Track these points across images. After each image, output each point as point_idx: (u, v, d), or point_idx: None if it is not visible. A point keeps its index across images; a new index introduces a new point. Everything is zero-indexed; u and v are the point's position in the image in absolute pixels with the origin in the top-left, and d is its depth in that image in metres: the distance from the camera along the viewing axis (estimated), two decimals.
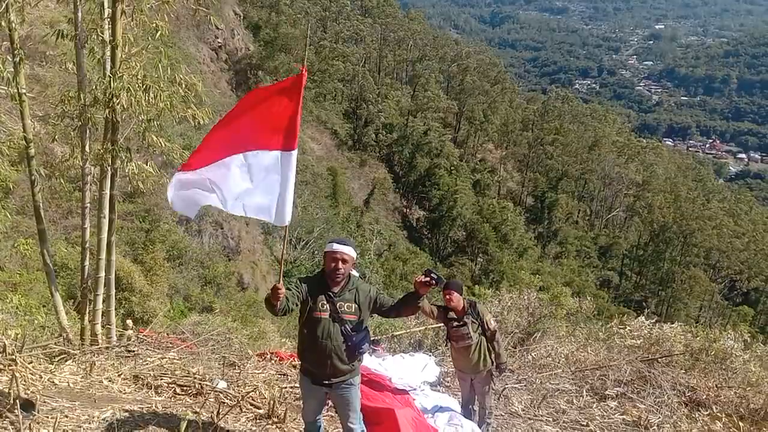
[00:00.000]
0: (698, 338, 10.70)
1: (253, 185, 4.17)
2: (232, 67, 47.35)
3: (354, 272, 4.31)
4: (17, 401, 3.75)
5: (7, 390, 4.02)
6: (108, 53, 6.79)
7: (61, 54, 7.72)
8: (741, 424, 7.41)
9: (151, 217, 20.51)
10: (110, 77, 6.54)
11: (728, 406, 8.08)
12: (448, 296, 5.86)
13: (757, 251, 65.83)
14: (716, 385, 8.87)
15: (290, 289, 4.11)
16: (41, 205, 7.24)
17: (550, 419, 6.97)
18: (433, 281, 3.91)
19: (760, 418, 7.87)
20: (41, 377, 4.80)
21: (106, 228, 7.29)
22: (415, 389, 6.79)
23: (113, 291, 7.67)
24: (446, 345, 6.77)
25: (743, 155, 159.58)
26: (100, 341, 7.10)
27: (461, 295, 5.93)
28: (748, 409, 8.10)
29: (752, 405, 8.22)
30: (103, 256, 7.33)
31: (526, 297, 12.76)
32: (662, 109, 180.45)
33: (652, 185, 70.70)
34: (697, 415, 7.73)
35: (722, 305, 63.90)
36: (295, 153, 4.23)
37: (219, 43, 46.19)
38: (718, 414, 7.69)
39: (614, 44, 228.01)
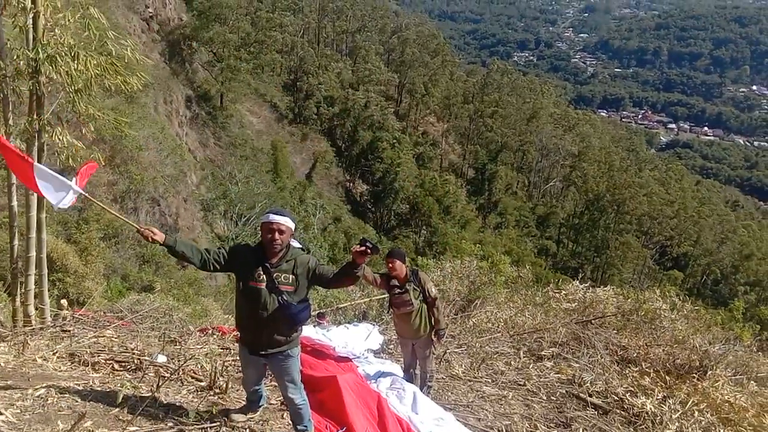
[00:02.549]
0: (629, 300, 11.23)
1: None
2: (165, 38, 45.60)
3: (295, 243, 4.30)
4: None
5: None
6: (30, 21, 6.46)
7: None
8: (667, 378, 7.85)
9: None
10: (35, 47, 6.24)
11: (657, 363, 8.52)
12: (390, 264, 5.98)
13: (687, 218, 69.00)
14: (646, 344, 9.33)
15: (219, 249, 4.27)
16: None
17: (489, 380, 7.22)
18: (369, 250, 3.95)
19: (685, 372, 8.35)
20: None
21: (35, 205, 7.01)
22: (358, 357, 6.90)
23: (45, 270, 7.41)
24: (389, 312, 6.90)
25: (673, 125, 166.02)
26: (33, 322, 6.88)
27: (403, 263, 6.04)
28: (674, 364, 8.58)
29: (678, 360, 8.70)
30: (33, 234, 7.06)
31: (466, 266, 13.06)
32: (597, 81, 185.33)
33: (588, 156, 72.79)
34: (627, 372, 8.12)
35: (654, 270, 66.89)
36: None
37: (150, 12, 44.35)
38: (647, 369, 8.10)
39: (551, 16, 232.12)
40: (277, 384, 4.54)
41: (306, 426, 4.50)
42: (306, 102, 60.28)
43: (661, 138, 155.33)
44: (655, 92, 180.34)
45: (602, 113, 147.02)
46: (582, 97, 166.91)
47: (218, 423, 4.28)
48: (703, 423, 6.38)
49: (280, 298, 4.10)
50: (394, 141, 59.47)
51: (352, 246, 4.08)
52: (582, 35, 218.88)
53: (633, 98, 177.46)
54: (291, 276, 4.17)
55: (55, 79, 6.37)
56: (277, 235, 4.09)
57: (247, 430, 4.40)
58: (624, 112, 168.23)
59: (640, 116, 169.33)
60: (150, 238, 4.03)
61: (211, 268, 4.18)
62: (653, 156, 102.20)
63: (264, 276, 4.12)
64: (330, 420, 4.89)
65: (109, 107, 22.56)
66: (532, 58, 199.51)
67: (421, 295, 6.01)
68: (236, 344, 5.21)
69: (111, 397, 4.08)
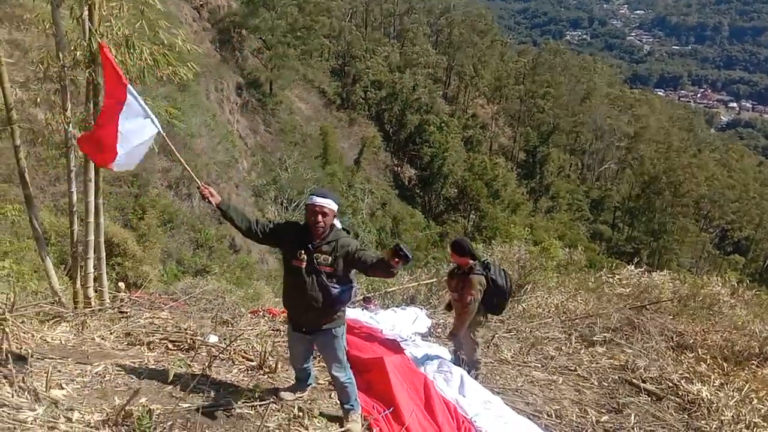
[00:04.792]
0: (686, 285, 10.92)
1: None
2: (215, 25, 46.34)
3: (337, 223, 4.31)
4: (9, 355, 3.82)
5: None
6: (86, 12, 6.65)
7: (37, 15, 7.56)
8: (725, 364, 7.60)
9: (139, 181, 20.43)
10: (90, 37, 6.42)
11: (714, 349, 8.27)
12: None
13: (748, 200, 66.27)
14: (703, 330, 9.07)
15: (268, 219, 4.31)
16: (26, 170, 7.18)
17: (539, 365, 7.13)
18: (402, 259, 3.82)
19: (744, 359, 8.08)
20: (33, 336, 4.88)
21: (92, 191, 7.26)
22: (405, 340, 6.93)
23: (103, 254, 7.68)
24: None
25: (734, 104, 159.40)
26: (92, 304, 7.15)
27: (460, 255, 5.91)
28: (733, 351, 8.31)
29: (737, 347, 8.43)
30: (92, 219, 7.31)
31: (516, 250, 12.92)
32: (654, 59, 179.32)
33: (644, 137, 70.59)
34: (682, 358, 7.90)
35: (714, 255, 64.65)
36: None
37: (201, 1, 45.13)
38: (704, 356, 7.87)
39: None
40: (324, 362, 4.62)
41: (352, 405, 4.55)
42: (353, 87, 60.28)
43: (722, 117, 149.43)
44: (715, 70, 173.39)
45: (659, 93, 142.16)
46: (638, 76, 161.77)
47: (267, 401, 4.37)
48: (762, 411, 6.16)
49: (318, 278, 4.14)
50: (442, 124, 58.96)
51: (386, 251, 3.98)
52: (638, 12, 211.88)
53: (691, 77, 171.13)
54: (330, 257, 4.17)
55: None
56: (320, 217, 4.11)
57: (296, 408, 4.48)
58: (682, 92, 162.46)
59: (699, 95, 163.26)
60: (207, 198, 4.20)
61: (255, 238, 4.30)
62: (713, 136, 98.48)
63: (305, 255, 4.17)
64: (377, 401, 4.92)
65: (162, 95, 23.17)
66: (585, 36, 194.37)
67: (459, 291, 5.95)
68: (285, 324, 5.30)
69: (165, 374, 4.22)
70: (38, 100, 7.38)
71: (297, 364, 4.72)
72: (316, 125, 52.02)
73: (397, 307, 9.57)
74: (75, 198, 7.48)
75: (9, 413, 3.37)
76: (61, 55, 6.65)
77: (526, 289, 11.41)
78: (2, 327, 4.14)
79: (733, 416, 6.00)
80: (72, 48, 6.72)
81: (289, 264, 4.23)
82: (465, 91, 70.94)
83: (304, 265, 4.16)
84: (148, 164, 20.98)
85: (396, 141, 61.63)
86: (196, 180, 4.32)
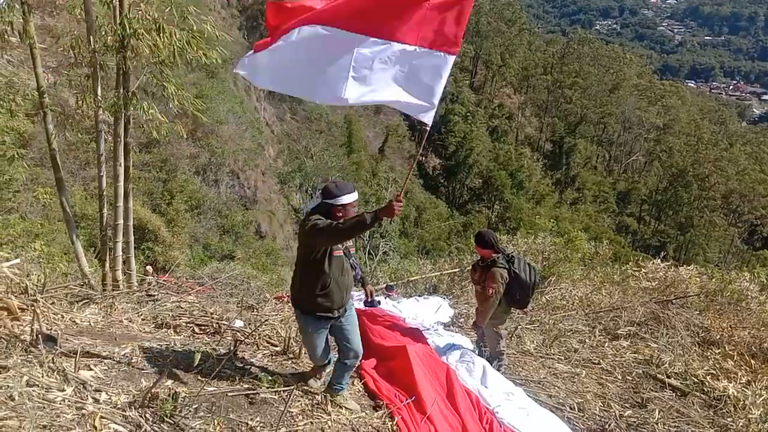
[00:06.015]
0: (714, 280, 10.72)
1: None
2: (243, 12, 46.56)
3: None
4: (40, 336, 3.90)
5: (29, 327, 4.17)
6: None
7: (69, 1, 7.67)
8: (752, 361, 7.46)
9: (167, 167, 20.69)
10: (121, 23, 6.49)
11: (741, 346, 8.11)
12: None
13: None
14: (730, 326, 8.90)
15: None
16: (58, 154, 7.32)
17: (562, 357, 7.08)
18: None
19: None
20: (63, 317, 4.97)
21: (122, 176, 7.37)
22: (428, 329, 6.92)
23: (132, 238, 7.81)
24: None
25: None
26: (121, 286, 7.28)
27: (482, 247, 5.88)
28: (761, 348, 8.14)
29: (765, 344, 8.25)
30: (121, 203, 7.44)
31: (540, 242, 12.82)
32: (685, 50, 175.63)
33: (674, 129, 69.30)
34: (708, 354, 7.78)
35: (742, 250, 63.40)
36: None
37: None
38: (731, 352, 7.73)
39: None
40: (344, 342, 4.52)
41: (344, 386, 4.61)
42: None
43: (754, 110, 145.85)
44: (748, 61, 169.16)
45: (690, 84, 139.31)
46: (668, 67, 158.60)
47: (291, 386, 4.41)
48: None
49: (351, 260, 4.41)
50: (467, 113, 58.50)
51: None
52: (669, 1, 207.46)
53: (724, 68, 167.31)
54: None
55: (141, 53, 6.62)
56: (351, 211, 4.18)
57: (320, 395, 4.51)
58: (714, 83, 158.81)
59: (731, 87, 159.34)
60: (399, 210, 3.86)
61: None
62: (745, 129, 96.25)
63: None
64: (399, 389, 4.93)
65: (190, 82, 23.37)
66: (615, 26, 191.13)
67: (482, 283, 5.91)
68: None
69: (190, 357, 4.27)
70: (71, 82, 7.50)
71: (324, 358, 4.61)
72: (341, 113, 52.03)
73: (419, 296, 9.57)
74: (105, 182, 7.61)
75: (38, 393, 3.44)
76: (92, 40, 6.74)
77: (550, 280, 11.32)
78: (33, 308, 4.23)
79: (760, 414, 5.89)
80: (102, 33, 6.80)
81: (332, 255, 4.15)
82: (492, 80, 70.31)
83: (341, 252, 4.25)
84: (175, 149, 21.23)
85: (421, 130, 61.33)
86: (402, 190, 3.98)
